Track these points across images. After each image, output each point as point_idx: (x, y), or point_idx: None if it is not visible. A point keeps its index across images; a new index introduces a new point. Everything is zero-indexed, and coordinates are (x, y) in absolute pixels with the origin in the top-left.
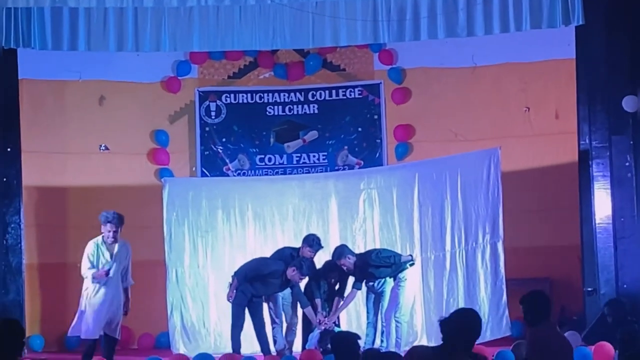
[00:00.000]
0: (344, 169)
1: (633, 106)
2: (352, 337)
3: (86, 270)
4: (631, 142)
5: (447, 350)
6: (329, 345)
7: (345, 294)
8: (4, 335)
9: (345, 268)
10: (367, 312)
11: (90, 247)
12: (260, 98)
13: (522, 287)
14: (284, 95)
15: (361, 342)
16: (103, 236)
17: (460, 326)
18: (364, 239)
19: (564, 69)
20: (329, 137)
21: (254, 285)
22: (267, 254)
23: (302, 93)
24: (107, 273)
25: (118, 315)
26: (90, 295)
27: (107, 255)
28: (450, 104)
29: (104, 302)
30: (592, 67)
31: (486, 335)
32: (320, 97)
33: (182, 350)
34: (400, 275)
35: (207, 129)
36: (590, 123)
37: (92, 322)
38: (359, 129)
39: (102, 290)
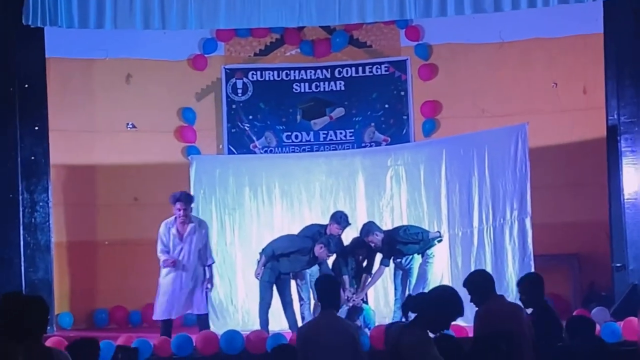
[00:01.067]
0: (370, 146)
1: None
2: (334, 279)
3: (159, 253)
4: None
5: (413, 325)
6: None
7: (373, 271)
8: (28, 312)
9: (373, 245)
10: (395, 289)
11: (161, 228)
12: (287, 75)
13: (550, 263)
14: (311, 72)
15: (388, 320)
16: (175, 216)
17: (429, 301)
18: (392, 216)
19: (591, 44)
20: (356, 113)
21: (281, 263)
22: (295, 231)
23: (329, 70)
24: (174, 263)
25: (197, 293)
26: (162, 276)
27: (177, 235)
28: (477, 80)
29: (174, 287)
30: (620, 42)
31: None
32: (347, 73)
33: (210, 327)
34: (428, 251)
35: (233, 106)
36: (618, 98)
37: (160, 304)
38: (386, 106)
39: (172, 274)
